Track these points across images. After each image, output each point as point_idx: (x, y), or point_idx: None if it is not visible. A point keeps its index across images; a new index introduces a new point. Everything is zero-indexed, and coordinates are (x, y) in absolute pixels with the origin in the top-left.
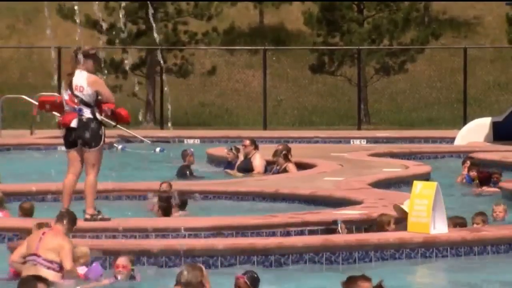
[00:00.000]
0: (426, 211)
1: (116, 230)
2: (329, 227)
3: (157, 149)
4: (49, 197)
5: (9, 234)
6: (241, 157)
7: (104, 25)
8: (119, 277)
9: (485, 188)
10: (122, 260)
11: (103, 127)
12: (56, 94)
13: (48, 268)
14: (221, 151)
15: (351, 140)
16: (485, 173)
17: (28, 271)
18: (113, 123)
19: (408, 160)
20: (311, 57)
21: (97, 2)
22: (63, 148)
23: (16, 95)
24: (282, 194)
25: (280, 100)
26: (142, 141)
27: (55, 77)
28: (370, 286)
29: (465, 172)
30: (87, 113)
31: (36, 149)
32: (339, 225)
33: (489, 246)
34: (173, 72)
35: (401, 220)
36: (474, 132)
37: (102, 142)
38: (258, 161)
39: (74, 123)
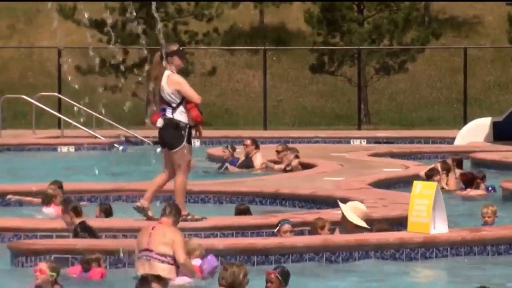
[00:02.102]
0: (426, 211)
1: (117, 230)
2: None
3: (158, 150)
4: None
5: (9, 234)
6: (242, 157)
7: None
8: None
9: (469, 191)
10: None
11: (186, 127)
12: (55, 93)
13: (162, 262)
14: (221, 151)
15: (351, 140)
16: (468, 175)
17: (142, 266)
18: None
19: (408, 160)
20: (311, 57)
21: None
22: (63, 148)
23: (16, 95)
24: (282, 194)
25: (280, 100)
26: (143, 142)
27: (56, 78)
28: None
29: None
30: (168, 113)
31: (36, 149)
32: (279, 226)
33: (489, 246)
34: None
35: (343, 224)
36: (474, 132)
37: (183, 143)
38: (259, 161)
39: (159, 123)
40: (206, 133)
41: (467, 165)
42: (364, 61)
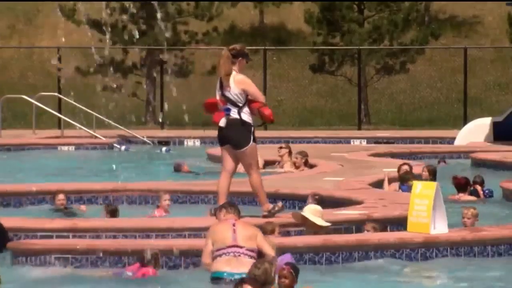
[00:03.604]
0: (426, 211)
1: (118, 230)
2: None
3: (163, 149)
4: (48, 197)
5: (9, 234)
6: None
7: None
8: None
9: (461, 195)
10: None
11: (251, 126)
12: (55, 93)
13: (250, 257)
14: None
15: (351, 140)
16: (461, 180)
17: (229, 263)
18: (259, 123)
19: (408, 160)
20: (312, 57)
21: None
22: (63, 148)
23: (16, 95)
24: (282, 194)
25: (280, 100)
26: (144, 142)
27: (56, 78)
28: None
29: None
30: (234, 113)
31: (36, 149)
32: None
33: (489, 246)
34: (173, 72)
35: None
36: (474, 132)
37: (251, 142)
38: (260, 159)
39: (222, 123)
40: (206, 133)
41: (467, 165)
42: (364, 61)
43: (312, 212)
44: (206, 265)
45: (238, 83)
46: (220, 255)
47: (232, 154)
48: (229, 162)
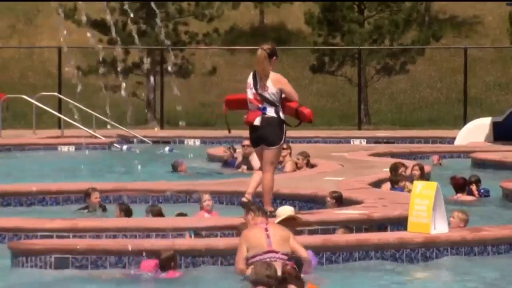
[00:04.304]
0: (426, 211)
1: (119, 230)
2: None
3: (166, 149)
4: (48, 197)
5: (9, 234)
6: (240, 158)
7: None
8: None
9: (460, 196)
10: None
11: (285, 126)
12: (56, 93)
13: (286, 261)
14: (221, 151)
15: (351, 140)
16: (459, 180)
17: None
18: (295, 123)
19: (408, 160)
20: (312, 57)
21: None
22: (63, 148)
23: (17, 95)
24: (282, 194)
25: None
26: (143, 142)
27: (57, 77)
28: None
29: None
30: (270, 112)
31: (36, 149)
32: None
33: (489, 246)
34: (174, 72)
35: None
36: (474, 132)
37: (282, 141)
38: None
39: (257, 121)
40: (206, 133)
41: (467, 165)
42: (364, 61)
43: (282, 212)
44: (241, 271)
45: (276, 82)
46: (256, 261)
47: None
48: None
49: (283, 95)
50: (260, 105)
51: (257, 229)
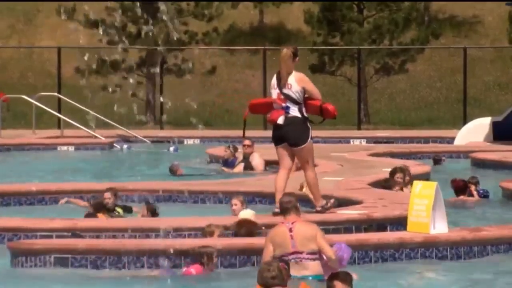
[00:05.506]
0: (426, 211)
1: (118, 230)
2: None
3: (171, 149)
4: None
5: (9, 234)
6: (240, 157)
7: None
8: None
9: (461, 198)
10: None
11: (309, 124)
12: (55, 94)
13: (313, 260)
14: (221, 151)
15: (351, 140)
16: (459, 182)
17: (292, 268)
18: (319, 120)
19: (408, 160)
20: (311, 57)
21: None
22: (63, 148)
23: (16, 95)
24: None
25: None
26: (144, 142)
27: (56, 77)
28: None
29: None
30: (294, 111)
31: (36, 149)
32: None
33: (489, 246)
34: (173, 72)
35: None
36: (474, 132)
37: (309, 139)
38: (257, 161)
39: (280, 120)
40: (206, 133)
41: (467, 165)
42: (364, 61)
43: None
44: None
45: (299, 81)
46: (281, 261)
47: (289, 151)
48: (286, 159)
49: (306, 94)
50: (283, 104)
51: (282, 228)
